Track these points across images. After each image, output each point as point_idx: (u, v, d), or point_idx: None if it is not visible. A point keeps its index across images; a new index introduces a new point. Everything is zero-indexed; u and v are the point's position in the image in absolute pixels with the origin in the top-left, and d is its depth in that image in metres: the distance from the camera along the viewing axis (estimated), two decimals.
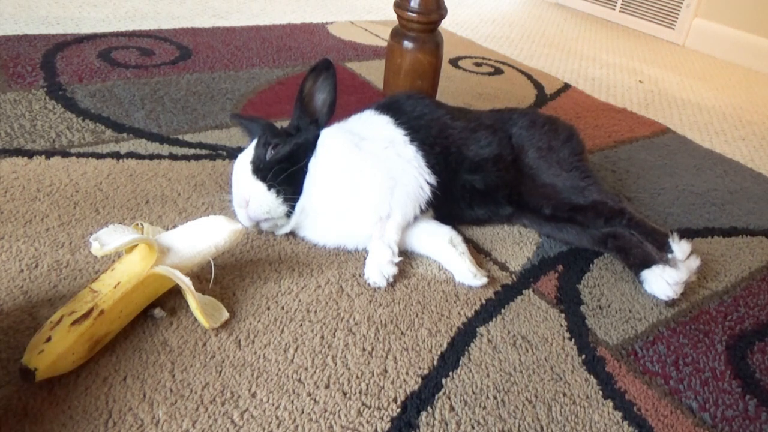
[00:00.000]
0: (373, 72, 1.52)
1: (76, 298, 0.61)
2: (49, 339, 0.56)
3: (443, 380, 0.64)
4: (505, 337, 0.72)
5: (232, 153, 1.03)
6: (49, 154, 0.95)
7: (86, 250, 0.75)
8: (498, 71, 1.70)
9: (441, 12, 1.08)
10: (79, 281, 0.70)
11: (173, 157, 1.00)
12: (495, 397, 0.63)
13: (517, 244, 0.91)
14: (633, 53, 2.15)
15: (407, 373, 0.64)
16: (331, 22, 1.93)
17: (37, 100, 1.12)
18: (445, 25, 2.05)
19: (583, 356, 0.70)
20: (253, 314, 0.70)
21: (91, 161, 0.95)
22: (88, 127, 1.05)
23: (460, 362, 0.67)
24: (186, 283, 0.64)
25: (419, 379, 0.64)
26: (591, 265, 0.88)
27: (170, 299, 0.69)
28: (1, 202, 0.82)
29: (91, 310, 0.59)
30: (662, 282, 0.79)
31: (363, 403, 0.60)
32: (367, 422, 0.58)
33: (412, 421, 0.59)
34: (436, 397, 0.62)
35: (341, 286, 0.76)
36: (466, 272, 0.79)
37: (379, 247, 0.78)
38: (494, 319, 0.74)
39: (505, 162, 0.91)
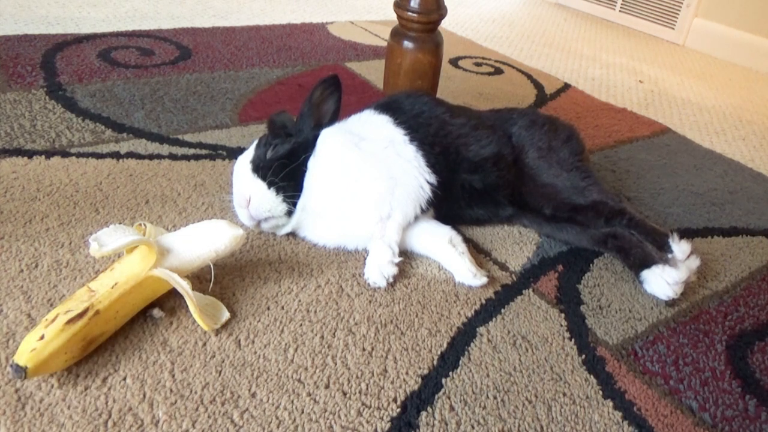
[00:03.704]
0: (373, 72, 1.52)
1: (73, 296, 0.61)
2: (42, 337, 0.56)
3: (443, 380, 0.64)
4: (505, 337, 0.72)
5: (232, 153, 1.03)
6: (49, 154, 0.95)
7: (86, 250, 0.75)
8: (498, 71, 1.70)
9: (441, 12, 1.08)
10: (78, 281, 0.70)
11: (173, 157, 1.00)
12: (495, 397, 0.63)
13: (517, 244, 0.91)
14: (633, 53, 2.15)
15: (407, 373, 0.64)
16: (331, 22, 1.93)
17: (37, 100, 1.12)
18: (445, 25, 2.05)
19: (583, 356, 0.70)
20: (253, 314, 0.70)
21: (91, 161, 0.95)
22: (88, 127, 1.05)
23: (460, 362, 0.67)
24: (184, 287, 0.64)
25: (419, 379, 0.64)
26: (591, 265, 0.88)
27: (170, 299, 0.69)
28: (1, 202, 0.82)
29: (86, 310, 0.59)
30: (662, 282, 0.79)
31: (363, 403, 0.60)
32: (367, 422, 0.58)
33: (412, 421, 0.59)
34: (436, 397, 0.62)
35: (341, 286, 0.76)
36: (465, 272, 0.79)
37: (380, 247, 0.78)
38: (494, 319, 0.74)
39: (505, 162, 0.91)
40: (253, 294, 0.73)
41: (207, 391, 0.59)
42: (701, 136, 1.46)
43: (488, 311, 0.75)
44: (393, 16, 1.13)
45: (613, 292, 0.82)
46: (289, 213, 0.80)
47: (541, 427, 0.61)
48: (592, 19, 2.63)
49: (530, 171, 0.93)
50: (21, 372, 0.54)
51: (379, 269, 0.76)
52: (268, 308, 0.71)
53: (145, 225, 0.69)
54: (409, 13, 1.06)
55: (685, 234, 0.98)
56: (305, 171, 0.82)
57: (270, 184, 0.79)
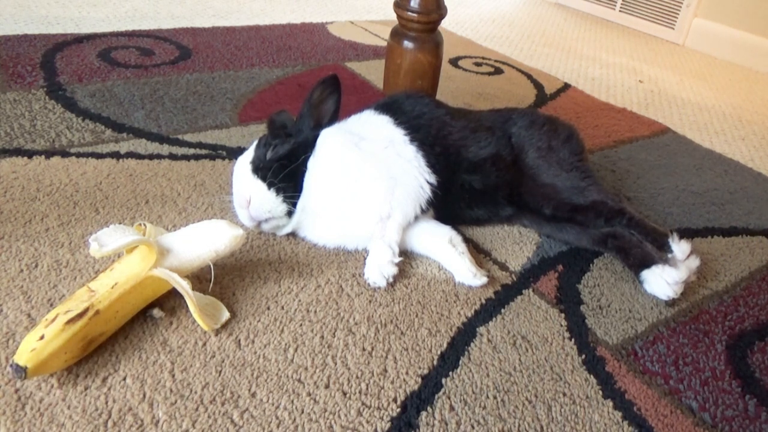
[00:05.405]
0: (373, 72, 1.52)
1: (73, 296, 0.61)
2: (42, 337, 0.56)
3: (443, 380, 0.64)
4: (505, 337, 0.72)
5: (232, 153, 1.03)
6: (48, 154, 0.95)
7: (86, 250, 0.75)
8: (498, 71, 1.70)
9: (441, 12, 1.08)
10: (78, 281, 0.70)
11: (173, 157, 1.00)
12: (495, 397, 0.63)
13: (517, 243, 0.91)
14: (633, 53, 2.15)
15: (407, 373, 0.64)
16: (331, 22, 1.93)
17: (36, 100, 1.12)
18: (445, 25, 2.05)
19: (583, 356, 0.70)
20: (253, 314, 0.70)
21: (90, 161, 0.95)
22: (87, 127, 1.05)
23: (460, 362, 0.67)
24: (184, 287, 0.64)
25: (419, 379, 0.64)
26: (591, 265, 0.88)
27: (170, 299, 0.69)
28: (1, 202, 0.82)
29: (86, 310, 0.59)
30: (662, 282, 0.79)
31: (363, 403, 0.60)
32: (367, 422, 0.58)
33: (412, 421, 0.59)
34: (436, 396, 0.62)
35: (341, 286, 0.76)
36: (465, 272, 0.79)
37: (380, 247, 0.78)
38: (494, 319, 0.74)
39: (505, 162, 0.91)
40: (253, 294, 0.73)
41: (207, 391, 0.59)
42: (701, 136, 1.46)
43: (488, 311, 0.75)
44: (393, 16, 1.13)
45: (613, 292, 0.82)
46: (290, 213, 0.80)
47: (541, 427, 0.61)
48: (592, 19, 2.63)
49: (530, 171, 0.93)
50: (21, 372, 0.54)
51: (379, 269, 0.76)
52: (268, 308, 0.71)
53: (145, 225, 0.69)
54: (409, 13, 1.06)
55: (685, 234, 0.98)
56: (305, 171, 0.82)
57: (270, 185, 0.79)
